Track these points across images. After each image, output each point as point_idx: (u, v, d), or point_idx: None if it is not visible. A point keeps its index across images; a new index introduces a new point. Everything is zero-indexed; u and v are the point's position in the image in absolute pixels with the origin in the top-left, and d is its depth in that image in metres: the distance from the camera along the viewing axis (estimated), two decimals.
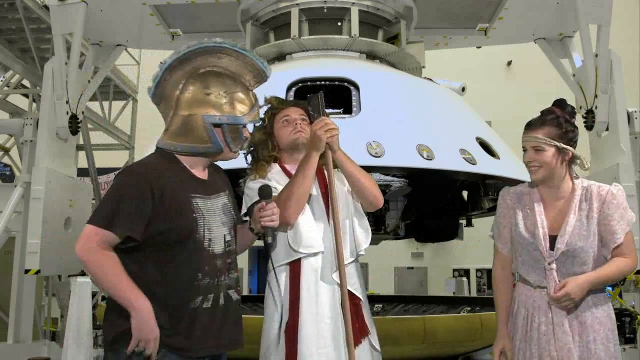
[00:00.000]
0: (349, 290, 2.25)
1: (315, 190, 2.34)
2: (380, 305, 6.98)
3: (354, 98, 4.04)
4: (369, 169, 2.70)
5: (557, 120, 2.23)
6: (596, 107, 4.61)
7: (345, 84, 4.13)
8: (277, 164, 2.45)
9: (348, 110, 4.01)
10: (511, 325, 2.30)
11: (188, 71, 2.02)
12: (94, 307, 5.75)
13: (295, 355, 2.18)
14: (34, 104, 8.77)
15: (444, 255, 12.90)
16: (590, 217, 2.19)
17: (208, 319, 1.91)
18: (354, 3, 4.84)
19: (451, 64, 9.83)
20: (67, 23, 4.88)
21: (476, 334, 4.67)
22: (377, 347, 2.37)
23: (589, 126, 4.68)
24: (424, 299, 7.88)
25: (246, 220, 2.23)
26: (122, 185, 1.92)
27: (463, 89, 5.87)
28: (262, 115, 2.35)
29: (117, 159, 10.21)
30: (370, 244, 2.43)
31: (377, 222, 4.74)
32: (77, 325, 3.79)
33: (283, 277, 2.29)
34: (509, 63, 14.03)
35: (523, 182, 2.44)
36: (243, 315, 2.09)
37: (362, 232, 2.40)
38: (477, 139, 4.11)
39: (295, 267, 2.27)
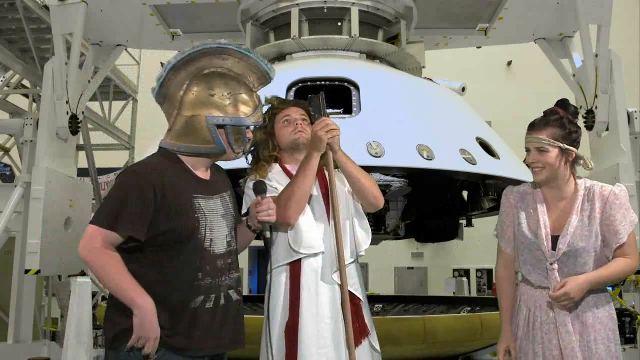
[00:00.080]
0: (349, 291, 2.25)
1: (316, 191, 2.34)
2: (380, 305, 6.98)
3: (354, 98, 4.04)
4: (369, 169, 2.70)
5: (561, 121, 2.22)
6: (596, 107, 4.62)
7: (345, 84, 4.13)
8: (277, 164, 2.44)
9: (348, 110, 4.01)
10: (513, 323, 2.30)
11: (192, 72, 2.02)
12: (94, 307, 5.75)
13: (295, 355, 2.18)
14: (34, 104, 8.77)
15: (444, 255, 12.90)
16: (593, 217, 2.19)
17: (208, 319, 1.91)
18: (354, 3, 4.84)
19: (451, 64, 9.83)
20: (67, 23, 4.88)
21: (476, 334, 4.67)
22: (377, 347, 2.37)
23: (589, 126, 4.68)
24: (424, 299, 7.87)
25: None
26: (125, 186, 1.92)
27: (463, 89, 5.87)
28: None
29: (117, 159, 10.22)
30: (371, 244, 2.43)
31: (377, 222, 4.73)
32: (77, 325, 3.78)
33: (283, 277, 2.28)
34: (509, 63, 14.04)
35: (523, 182, 2.44)
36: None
37: (363, 233, 2.40)
38: (477, 139, 4.11)
39: (295, 268, 2.27)
